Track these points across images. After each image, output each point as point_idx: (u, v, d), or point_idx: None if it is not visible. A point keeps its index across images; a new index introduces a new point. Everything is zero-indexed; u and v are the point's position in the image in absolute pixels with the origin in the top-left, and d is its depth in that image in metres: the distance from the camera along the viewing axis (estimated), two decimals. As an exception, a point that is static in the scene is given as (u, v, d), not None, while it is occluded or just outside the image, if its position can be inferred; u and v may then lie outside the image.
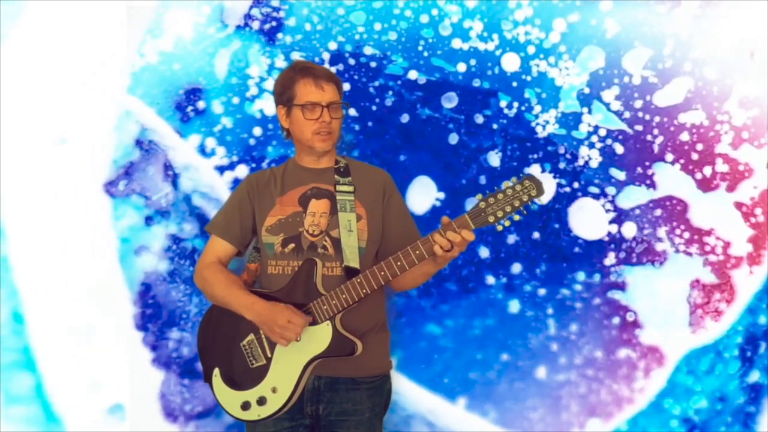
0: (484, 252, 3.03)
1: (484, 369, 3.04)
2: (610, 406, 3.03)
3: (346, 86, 3.02)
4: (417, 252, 2.38)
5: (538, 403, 3.03)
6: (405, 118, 3.04)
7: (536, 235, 3.02)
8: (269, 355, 2.49)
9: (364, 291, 2.41)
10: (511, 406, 3.03)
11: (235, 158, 3.04)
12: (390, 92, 3.04)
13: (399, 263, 2.39)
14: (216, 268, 2.60)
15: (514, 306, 3.03)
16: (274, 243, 2.55)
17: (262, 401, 2.48)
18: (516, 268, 3.03)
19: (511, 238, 3.03)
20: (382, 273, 2.40)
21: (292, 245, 2.55)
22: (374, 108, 3.04)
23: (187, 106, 3.04)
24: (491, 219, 2.34)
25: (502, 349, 3.03)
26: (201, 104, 3.04)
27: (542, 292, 3.03)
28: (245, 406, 2.50)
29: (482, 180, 3.03)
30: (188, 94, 3.04)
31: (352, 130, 3.04)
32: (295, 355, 2.45)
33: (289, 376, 2.45)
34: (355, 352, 2.43)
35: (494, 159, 3.04)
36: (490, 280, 3.03)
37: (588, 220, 3.03)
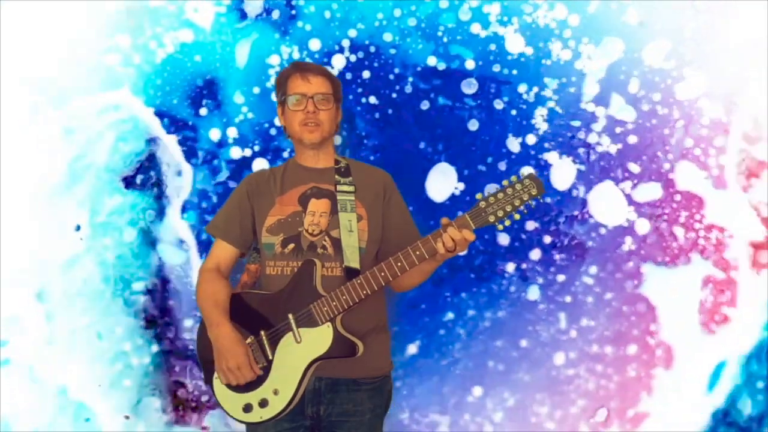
0: (503, 239, 3.04)
1: (498, 359, 3.05)
2: (626, 401, 3.05)
3: (366, 74, 3.02)
4: (417, 252, 2.39)
5: (554, 394, 3.05)
6: (424, 105, 3.03)
7: (554, 223, 3.02)
8: (270, 357, 2.48)
9: (364, 292, 2.41)
10: (524, 398, 3.05)
11: (257, 148, 3.05)
12: (409, 79, 3.03)
13: (399, 264, 2.40)
14: (209, 276, 2.60)
15: (532, 294, 3.03)
16: (274, 243, 2.55)
17: (263, 403, 2.47)
18: (535, 254, 3.03)
19: (530, 225, 3.02)
20: (383, 274, 2.41)
21: (291, 245, 2.54)
22: (394, 95, 3.04)
23: (207, 97, 3.05)
24: (491, 219, 2.35)
25: (518, 339, 3.05)
26: (221, 95, 3.05)
27: (561, 278, 3.03)
28: (247, 408, 2.48)
29: (502, 167, 3.03)
30: (208, 84, 3.05)
31: (372, 118, 3.04)
32: (296, 357, 2.45)
33: (291, 377, 2.45)
34: (356, 352, 2.44)
35: (514, 145, 3.02)
36: (509, 267, 3.03)
37: (607, 207, 3.02)
